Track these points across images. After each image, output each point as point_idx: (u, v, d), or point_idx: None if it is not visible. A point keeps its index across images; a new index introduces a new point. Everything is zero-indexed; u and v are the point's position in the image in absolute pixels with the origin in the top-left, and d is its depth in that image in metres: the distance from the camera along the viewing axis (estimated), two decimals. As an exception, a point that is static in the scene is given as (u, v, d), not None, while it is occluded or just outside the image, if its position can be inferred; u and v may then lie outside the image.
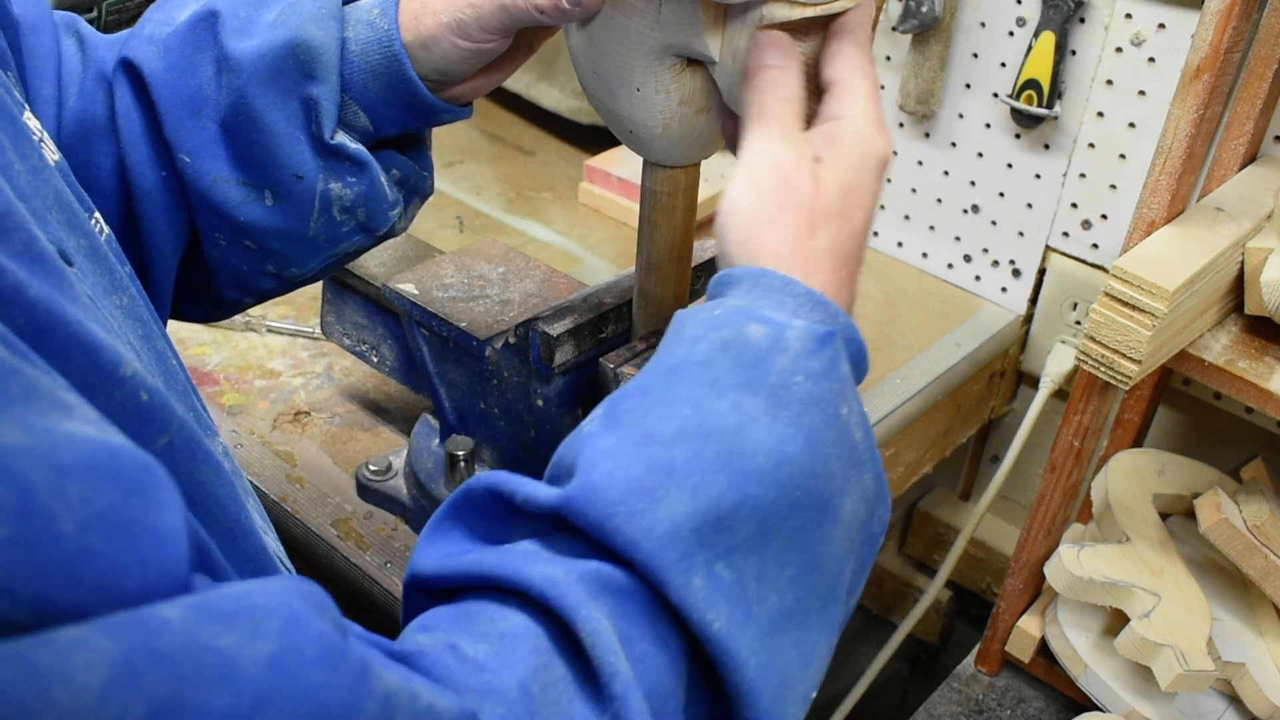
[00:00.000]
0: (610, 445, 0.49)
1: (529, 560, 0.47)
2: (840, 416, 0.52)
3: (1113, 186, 1.15)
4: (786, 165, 0.57)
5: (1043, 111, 1.13)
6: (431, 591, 0.51)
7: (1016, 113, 1.15)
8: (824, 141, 0.59)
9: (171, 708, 0.31)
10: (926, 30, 1.17)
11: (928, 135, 1.25)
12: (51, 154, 0.55)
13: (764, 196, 0.57)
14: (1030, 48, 1.12)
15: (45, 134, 0.56)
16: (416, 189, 0.76)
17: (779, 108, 0.59)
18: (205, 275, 0.75)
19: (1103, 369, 0.85)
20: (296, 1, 0.68)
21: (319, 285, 0.99)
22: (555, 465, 0.52)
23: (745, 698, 0.47)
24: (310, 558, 0.92)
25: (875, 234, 1.34)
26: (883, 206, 1.32)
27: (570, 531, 0.49)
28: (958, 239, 1.28)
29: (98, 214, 0.58)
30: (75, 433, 0.33)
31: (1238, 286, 0.90)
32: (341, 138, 0.69)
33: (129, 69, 0.69)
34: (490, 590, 0.48)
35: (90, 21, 0.96)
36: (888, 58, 1.25)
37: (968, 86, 1.20)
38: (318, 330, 1.08)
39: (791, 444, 0.50)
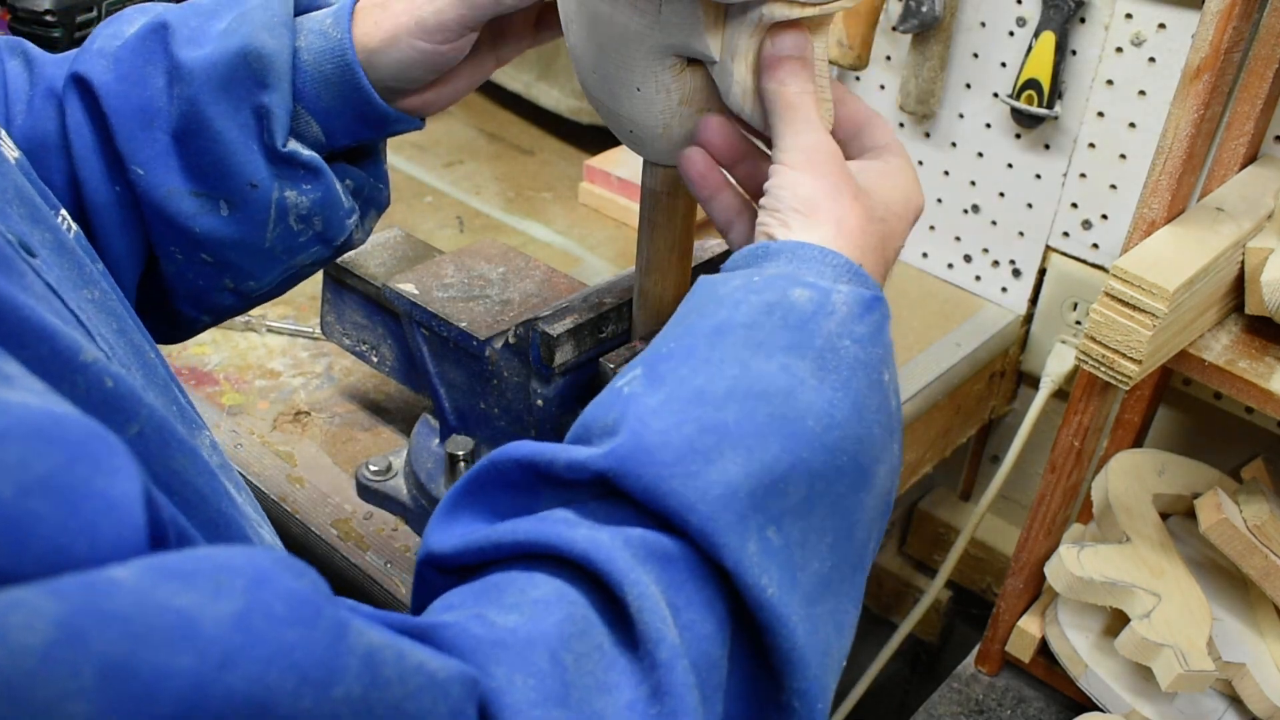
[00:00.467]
0: (657, 404, 0.48)
1: (569, 525, 0.46)
2: (884, 383, 0.52)
3: (1113, 186, 1.15)
4: (844, 164, 0.58)
5: (1043, 111, 1.13)
6: (452, 569, 0.49)
7: (1017, 113, 1.15)
8: (872, 169, 0.60)
9: (125, 669, 0.30)
10: (927, 30, 1.17)
11: (928, 135, 1.25)
12: (11, 151, 0.55)
13: (827, 176, 0.56)
14: (1030, 48, 1.12)
15: (3, 132, 0.56)
16: (372, 200, 0.75)
17: (813, 103, 0.59)
18: (162, 293, 0.74)
19: (1103, 369, 0.85)
20: (247, 10, 0.68)
21: (319, 285, 0.99)
22: (587, 425, 0.50)
23: (795, 666, 0.46)
24: (310, 558, 0.92)
25: (875, 234, 1.34)
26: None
27: (612, 497, 0.47)
28: (958, 239, 1.28)
29: (64, 211, 0.57)
30: (12, 400, 0.32)
31: (1238, 286, 0.90)
32: (294, 146, 0.69)
33: (79, 83, 0.68)
34: (519, 560, 0.47)
35: (90, 22, 0.96)
36: (888, 58, 1.25)
37: (968, 86, 1.20)
38: (318, 330, 1.08)
39: (840, 408, 0.49)
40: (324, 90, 0.69)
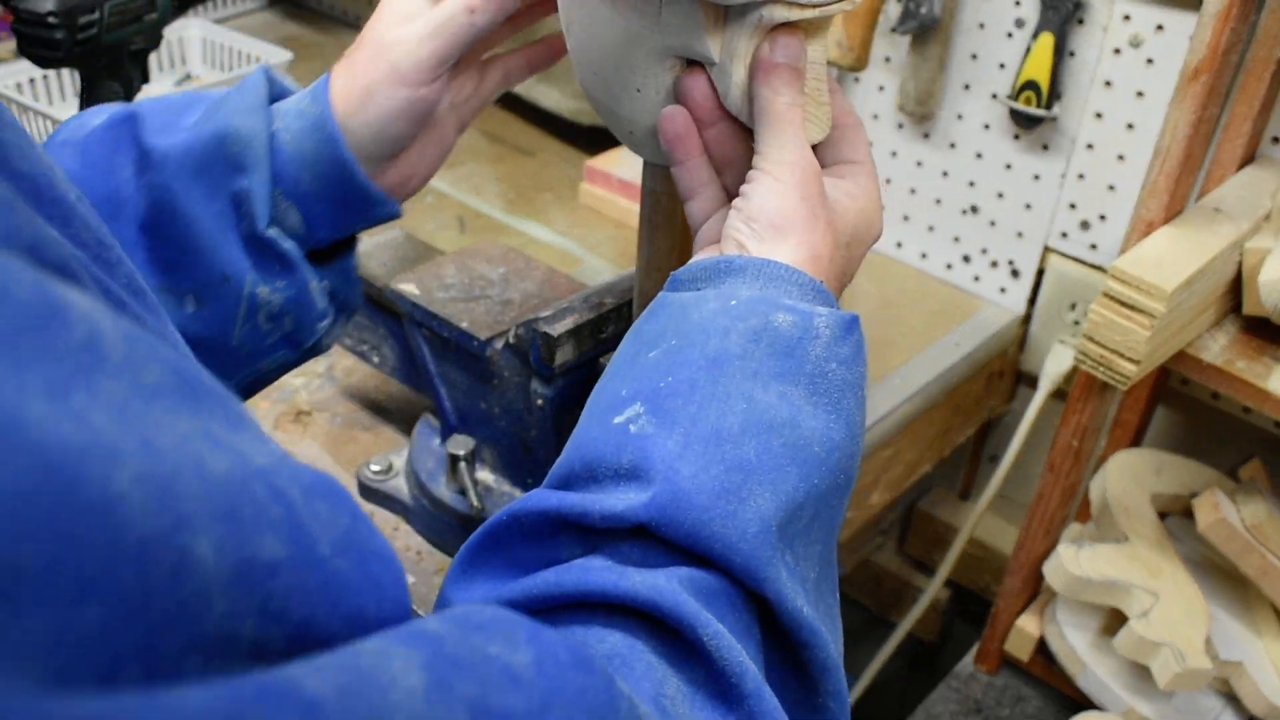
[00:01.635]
0: (678, 447, 0.48)
1: (618, 574, 0.45)
2: (863, 400, 0.54)
3: (1111, 187, 1.15)
4: (822, 184, 0.59)
5: (1041, 112, 1.14)
6: None
7: (1015, 114, 1.16)
8: (841, 189, 0.61)
9: (482, 710, 0.31)
10: (925, 31, 1.18)
11: (927, 136, 1.26)
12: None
13: (807, 199, 0.57)
14: (1029, 49, 1.13)
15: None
16: (345, 304, 0.72)
17: (800, 117, 0.59)
18: None
19: (1101, 369, 0.85)
20: (220, 101, 0.66)
21: (320, 285, 0.99)
22: (592, 465, 0.50)
23: (831, 673, 0.48)
24: (311, 557, 0.92)
25: (874, 234, 1.34)
26: (882, 207, 1.32)
27: (643, 540, 0.47)
28: (957, 239, 1.28)
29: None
30: (296, 459, 0.33)
31: (1236, 287, 0.90)
32: (274, 232, 0.66)
33: None
34: (563, 611, 0.46)
35: (92, 24, 0.96)
36: (887, 59, 1.25)
37: (966, 87, 1.21)
38: (319, 330, 1.08)
39: (836, 430, 0.51)
40: (304, 173, 0.66)
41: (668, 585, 0.45)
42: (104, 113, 0.67)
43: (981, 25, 1.17)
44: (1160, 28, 1.07)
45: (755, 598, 0.48)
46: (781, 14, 0.59)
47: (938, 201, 1.28)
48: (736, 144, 0.62)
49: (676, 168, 0.64)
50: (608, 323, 0.81)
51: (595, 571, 0.46)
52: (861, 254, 0.62)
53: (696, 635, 0.44)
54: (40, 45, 0.95)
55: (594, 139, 1.48)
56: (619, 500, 0.47)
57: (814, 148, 0.62)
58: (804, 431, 0.50)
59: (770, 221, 0.56)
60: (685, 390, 0.50)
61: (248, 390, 0.73)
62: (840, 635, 0.52)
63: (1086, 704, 1.00)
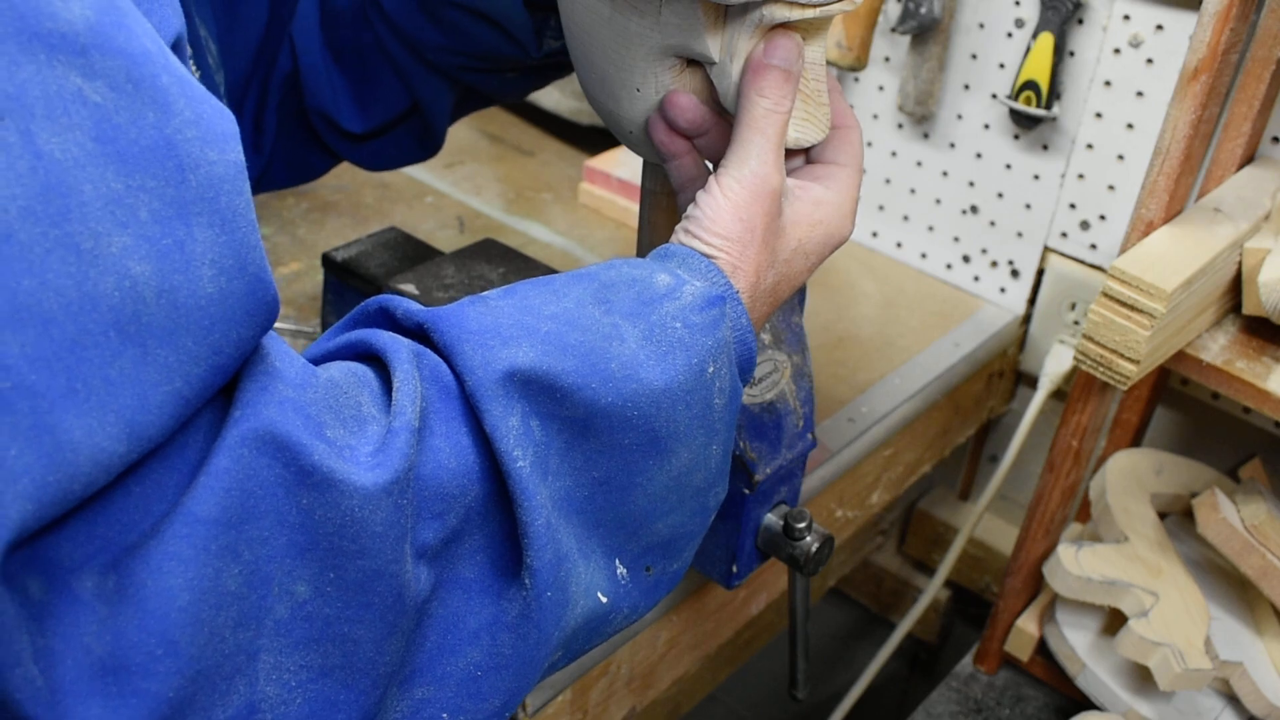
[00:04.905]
0: (494, 299, 0.54)
1: (382, 336, 0.52)
2: (705, 373, 0.55)
3: (1111, 187, 1.15)
4: (776, 201, 0.61)
5: (1041, 112, 1.14)
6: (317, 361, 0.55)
7: (1015, 114, 1.16)
8: (807, 197, 0.63)
9: None
10: (925, 31, 1.18)
11: (926, 136, 1.26)
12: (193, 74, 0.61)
13: (745, 219, 0.60)
14: (1029, 49, 1.13)
15: (191, 56, 0.63)
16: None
17: (779, 124, 0.61)
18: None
19: (1101, 369, 0.85)
20: None
21: (319, 285, 1.00)
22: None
23: (531, 540, 0.50)
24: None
25: (875, 234, 1.34)
26: (881, 207, 1.32)
27: (423, 340, 0.53)
28: (956, 239, 1.28)
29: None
30: None
31: (1235, 287, 0.90)
32: None
33: None
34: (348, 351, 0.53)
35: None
36: (886, 59, 1.25)
37: (966, 87, 1.21)
38: (318, 330, 1.08)
39: (647, 370, 0.53)
40: None
41: (400, 346, 0.50)
42: None
43: (981, 25, 1.17)
44: (1160, 27, 1.07)
45: (482, 432, 0.50)
46: (782, 14, 0.59)
47: (938, 201, 1.28)
48: (724, 144, 0.64)
49: (667, 165, 0.67)
50: (607, 323, 0.81)
51: (373, 334, 0.52)
52: (809, 265, 0.65)
53: (391, 372, 0.49)
54: None
55: (594, 139, 1.48)
56: (420, 309, 0.54)
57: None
58: (610, 348, 0.53)
59: (706, 238, 0.60)
60: (542, 283, 0.56)
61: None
62: (587, 582, 0.54)
63: (1086, 704, 1.00)
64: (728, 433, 0.58)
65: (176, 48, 0.47)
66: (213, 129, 0.42)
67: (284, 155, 0.90)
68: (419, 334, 0.53)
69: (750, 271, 0.60)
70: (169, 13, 0.45)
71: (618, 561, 0.56)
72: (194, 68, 0.66)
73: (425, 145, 0.91)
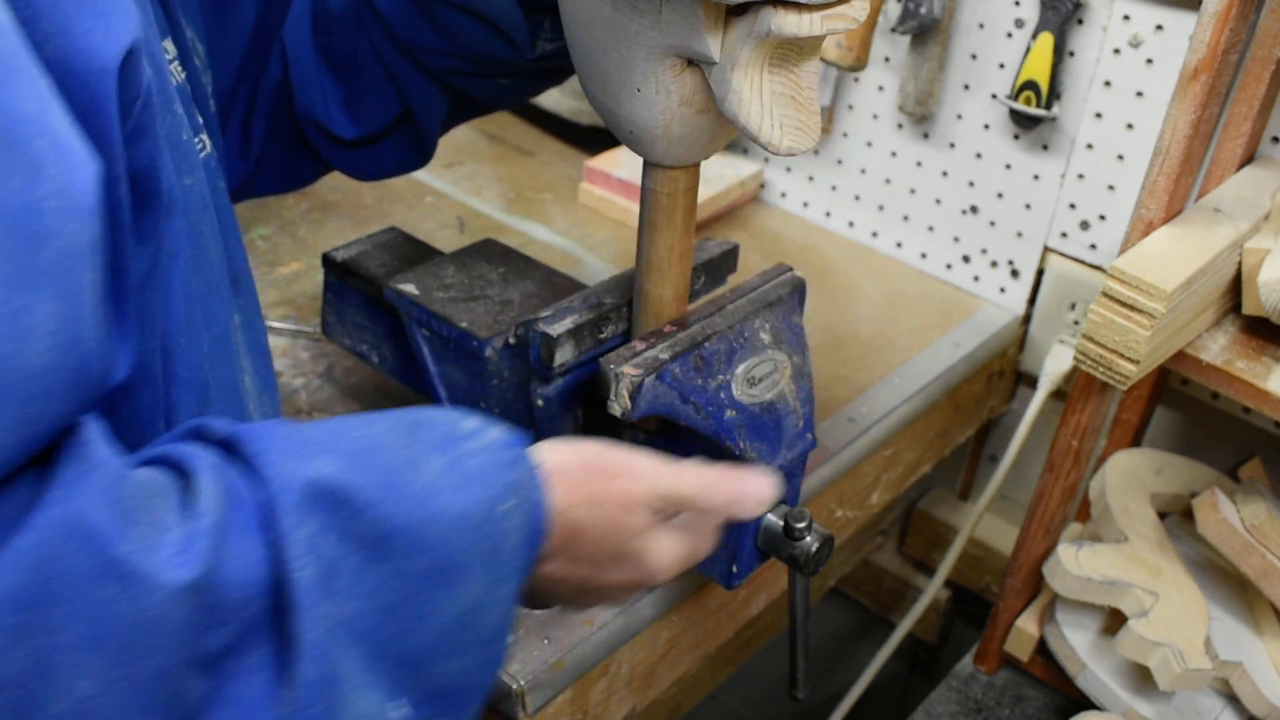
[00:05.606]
0: (305, 424, 0.55)
1: (188, 448, 0.52)
2: (496, 508, 0.55)
3: (1111, 187, 1.15)
4: (641, 510, 0.62)
5: (1041, 112, 1.14)
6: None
7: (1015, 114, 1.16)
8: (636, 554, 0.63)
9: None
10: (925, 31, 1.18)
11: (926, 136, 1.26)
12: (177, 77, 0.63)
13: (599, 507, 0.60)
14: (1028, 49, 1.13)
15: (176, 56, 0.64)
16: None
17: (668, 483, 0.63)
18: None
19: (1101, 369, 0.85)
20: None
21: (319, 285, 1.00)
22: None
23: (300, 653, 0.48)
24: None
25: (875, 234, 1.34)
26: (881, 207, 1.32)
27: (229, 452, 0.52)
28: (956, 239, 1.28)
29: (204, 135, 0.67)
30: None
31: (1235, 287, 0.90)
32: None
33: None
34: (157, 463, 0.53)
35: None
36: (886, 59, 1.25)
37: (966, 87, 1.21)
38: (319, 331, 1.08)
39: (444, 496, 0.53)
40: None
41: (203, 457, 0.50)
42: None
43: (981, 25, 1.17)
44: (1160, 27, 1.07)
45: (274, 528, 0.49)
46: (790, 29, 0.59)
47: (938, 201, 1.28)
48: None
49: None
50: (607, 323, 0.81)
51: (180, 446, 0.52)
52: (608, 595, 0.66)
53: (195, 481, 0.49)
54: None
55: (594, 139, 1.48)
56: (230, 425, 0.54)
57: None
58: (411, 473, 0.53)
59: (566, 473, 0.60)
60: (357, 416, 0.57)
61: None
62: (358, 708, 0.52)
63: (1086, 704, 1.00)
64: (517, 580, 0.57)
65: (130, 57, 0.47)
66: (77, 202, 0.42)
67: (272, 162, 0.90)
68: (228, 446, 0.53)
69: (572, 481, 0.60)
70: (117, 24, 0.45)
71: (405, 701, 0.54)
72: (179, 70, 0.67)
73: (416, 154, 0.91)
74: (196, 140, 0.67)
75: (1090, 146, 1.15)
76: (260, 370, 0.75)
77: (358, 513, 0.51)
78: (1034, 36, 1.12)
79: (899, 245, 1.33)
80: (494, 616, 0.56)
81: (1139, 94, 1.10)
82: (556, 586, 0.63)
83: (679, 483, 0.63)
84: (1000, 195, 1.23)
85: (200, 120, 0.70)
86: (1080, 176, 1.17)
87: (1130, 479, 1.04)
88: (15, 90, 0.41)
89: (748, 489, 0.64)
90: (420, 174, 1.43)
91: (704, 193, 1.16)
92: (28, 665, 0.41)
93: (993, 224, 1.25)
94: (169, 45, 0.66)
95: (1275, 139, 1.00)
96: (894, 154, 1.29)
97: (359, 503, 0.51)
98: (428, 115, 0.87)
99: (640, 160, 0.72)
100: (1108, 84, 1.12)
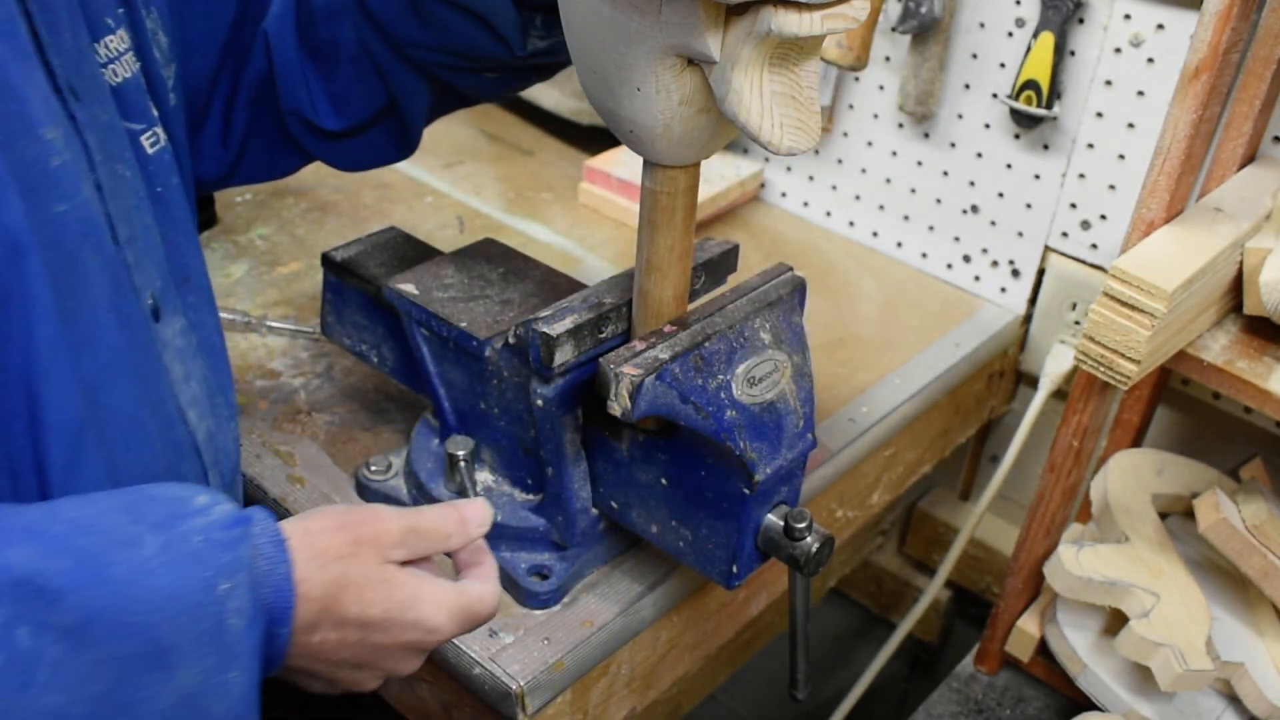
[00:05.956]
0: (18, 507, 0.53)
1: None
2: (214, 588, 0.54)
3: (1111, 187, 1.15)
4: (414, 584, 0.63)
5: (1042, 112, 1.13)
6: None
7: (1015, 113, 1.15)
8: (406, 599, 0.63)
9: None
10: (926, 31, 1.17)
11: (927, 135, 1.26)
12: (128, 70, 0.66)
13: (356, 558, 0.61)
14: (1029, 48, 1.12)
15: (131, 47, 0.65)
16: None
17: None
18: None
19: (1102, 369, 0.85)
20: None
21: (319, 285, 1.00)
22: None
23: None
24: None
25: (875, 234, 1.34)
26: (882, 207, 1.32)
27: None
28: (957, 239, 1.28)
29: (159, 129, 0.68)
30: None
31: (1236, 286, 0.90)
32: None
33: None
34: None
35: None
36: (887, 58, 1.25)
37: (967, 87, 1.21)
38: (318, 330, 1.08)
39: (154, 578, 0.52)
40: None
41: None
42: None
43: (982, 24, 1.17)
44: (1161, 27, 1.07)
45: None
46: (790, 29, 0.59)
47: (938, 201, 1.28)
48: None
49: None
50: (607, 322, 0.81)
51: None
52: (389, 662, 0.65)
53: None
54: None
55: (594, 139, 1.48)
56: None
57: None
58: (118, 554, 0.51)
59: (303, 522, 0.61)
60: (83, 497, 0.55)
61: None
62: None
63: (1087, 705, 1.00)
64: (251, 661, 0.55)
65: None
66: None
67: (254, 153, 0.89)
68: None
69: (319, 543, 0.60)
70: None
71: None
72: (132, 61, 0.66)
73: (401, 145, 0.91)
74: (148, 134, 0.66)
75: (1091, 146, 1.15)
76: (214, 370, 0.74)
77: (55, 602, 0.49)
78: (1035, 36, 1.12)
79: (899, 245, 1.33)
80: (226, 702, 0.55)
81: (1140, 93, 1.10)
82: (334, 656, 0.61)
83: (419, 516, 0.65)
84: (1001, 195, 1.23)
85: (155, 113, 0.69)
86: (1081, 176, 1.17)
87: (1131, 479, 1.04)
88: None
89: (466, 513, 0.67)
90: (420, 174, 1.43)
91: (704, 192, 1.16)
92: None
93: (993, 223, 1.25)
94: (123, 35, 0.65)
95: (1276, 138, 1.00)
96: (894, 153, 1.29)
97: (53, 590, 0.49)
98: (413, 108, 0.87)
99: (640, 160, 0.72)
100: (1108, 83, 1.11)
